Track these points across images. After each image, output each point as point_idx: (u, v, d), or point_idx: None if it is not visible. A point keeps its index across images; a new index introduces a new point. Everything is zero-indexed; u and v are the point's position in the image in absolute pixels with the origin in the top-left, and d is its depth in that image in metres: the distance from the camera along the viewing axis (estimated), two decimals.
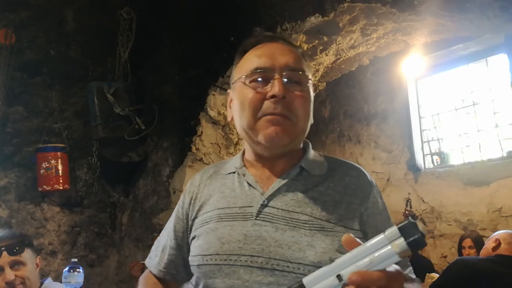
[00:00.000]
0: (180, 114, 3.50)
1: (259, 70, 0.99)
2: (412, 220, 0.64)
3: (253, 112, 0.97)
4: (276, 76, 0.97)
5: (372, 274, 0.63)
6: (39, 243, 3.34)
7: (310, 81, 1.02)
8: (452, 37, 3.07)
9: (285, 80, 0.97)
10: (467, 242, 3.72)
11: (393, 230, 0.63)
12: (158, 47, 3.71)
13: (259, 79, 0.98)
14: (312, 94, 1.03)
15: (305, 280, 0.66)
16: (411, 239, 0.62)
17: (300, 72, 1.00)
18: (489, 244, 2.59)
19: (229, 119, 1.10)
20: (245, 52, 1.06)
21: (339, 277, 0.64)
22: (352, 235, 0.69)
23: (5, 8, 3.29)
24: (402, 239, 0.62)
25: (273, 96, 0.95)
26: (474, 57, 4.50)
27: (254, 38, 1.07)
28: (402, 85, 4.89)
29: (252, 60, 1.02)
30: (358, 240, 0.68)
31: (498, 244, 2.51)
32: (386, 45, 3.07)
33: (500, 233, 2.62)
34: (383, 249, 0.63)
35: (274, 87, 0.95)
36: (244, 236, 0.94)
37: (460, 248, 3.76)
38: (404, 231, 0.63)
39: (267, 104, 0.96)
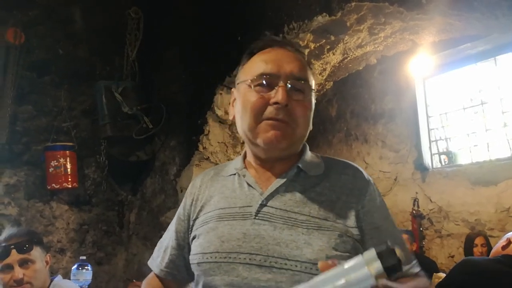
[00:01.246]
0: (187, 113, 3.52)
1: (264, 76, 1.01)
2: (390, 246, 0.66)
3: (255, 116, 1.01)
4: (281, 83, 0.99)
5: None
6: (48, 241, 3.37)
7: (312, 91, 1.05)
8: (460, 36, 3.05)
9: (291, 89, 1.00)
10: (480, 239, 3.70)
11: (371, 253, 0.66)
12: (165, 46, 3.73)
13: (268, 84, 1.01)
14: (313, 102, 1.07)
15: None
16: (389, 264, 0.64)
17: (304, 82, 1.03)
18: (500, 243, 2.58)
19: (231, 117, 1.13)
20: (252, 54, 1.09)
21: None
22: (329, 261, 0.71)
23: (13, 7, 3.32)
24: (379, 263, 0.64)
25: (276, 103, 0.98)
26: (482, 56, 4.47)
27: (262, 42, 1.10)
28: (409, 84, 4.87)
29: (258, 64, 1.04)
30: (336, 262, 0.70)
31: (508, 243, 2.50)
32: (393, 44, 3.06)
33: None
34: (359, 271, 0.65)
35: (278, 95, 0.98)
36: (243, 234, 0.97)
37: (471, 246, 3.74)
38: (382, 256, 0.65)
39: (270, 110, 0.99)
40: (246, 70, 1.07)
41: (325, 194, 1.01)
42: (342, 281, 0.65)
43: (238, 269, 0.94)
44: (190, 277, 1.09)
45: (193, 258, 1.04)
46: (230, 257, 0.96)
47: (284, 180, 1.03)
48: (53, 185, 3.33)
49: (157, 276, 1.19)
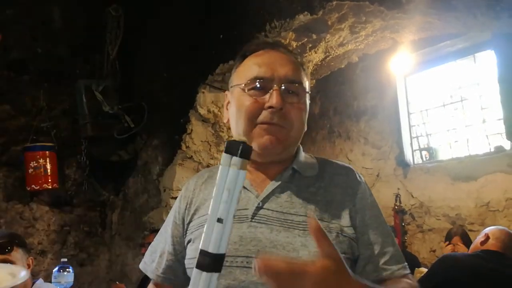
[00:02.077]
0: (170, 112, 3.49)
1: (258, 80, 1.01)
2: (229, 140, 0.74)
3: (250, 121, 1.00)
4: (275, 87, 0.99)
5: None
6: (28, 243, 3.30)
7: (307, 93, 1.05)
8: (439, 34, 3.10)
9: (285, 92, 1.00)
10: (456, 239, 3.76)
11: (223, 156, 0.72)
12: (147, 44, 3.69)
13: (262, 88, 1.01)
14: (308, 104, 1.06)
15: (202, 246, 0.71)
16: (240, 151, 0.71)
17: (298, 84, 1.03)
18: (478, 238, 2.64)
19: (225, 120, 1.12)
20: (245, 57, 1.08)
21: (219, 220, 0.70)
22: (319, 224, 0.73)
23: None
24: (234, 157, 0.71)
25: (270, 107, 0.98)
26: (462, 53, 4.53)
27: (254, 44, 1.09)
28: (391, 81, 4.91)
29: (252, 67, 1.03)
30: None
31: (486, 238, 2.55)
32: (374, 42, 3.09)
33: (490, 228, 2.66)
34: (229, 175, 0.71)
35: (272, 99, 0.98)
36: (239, 238, 0.96)
37: (450, 241, 3.80)
38: (230, 151, 0.72)
39: (264, 114, 0.99)
40: (240, 74, 1.06)
41: (320, 194, 1.01)
42: (226, 193, 0.70)
43: (235, 272, 0.93)
44: (187, 280, 1.08)
45: (188, 263, 1.02)
46: (227, 261, 0.92)
47: (280, 182, 1.02)
48: (33, 186, 3.28)
49: (154, 282, 1.17)
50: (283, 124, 0.99)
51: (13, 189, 3.35)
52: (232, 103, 1.06)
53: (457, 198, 4.33)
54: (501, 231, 2.57)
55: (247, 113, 1.00)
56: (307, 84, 1.06)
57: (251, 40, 2.78)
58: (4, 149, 3.34)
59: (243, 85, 1.02)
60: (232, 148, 0.71)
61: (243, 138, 0.73)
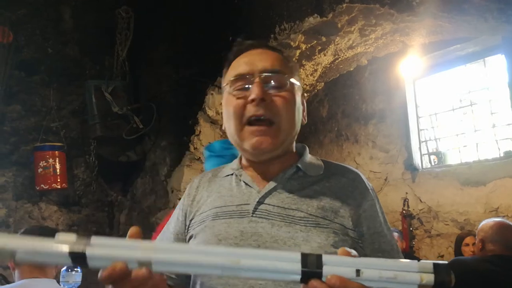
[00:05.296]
0: (178, 113, 3.50)
1: (238, 77, 1.02)
2: (447, 265, 0.64)
3: (238, 119, 1.01)
4: (256, 80, 1.00)
5: (351, 284, 0.64)
6: None
7: (292, 82, 1.04)
8: (449, 38, 3.08)
9: (267, 84, 1.01)
10: (470, 239, 3.72)
11: (428, 263, 0.64)
12: (156, 45, 3.71)
13: (245, 86, 1.02)
14: (296, 94, 1.05)
15: (325, 257, 0.65)
16: (441, 280, 0.63)
17: (278, 74, 1.02)
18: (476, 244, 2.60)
19: (223, 127, 1.14)
20: (230, 62, 1.10)
21: (358, 271, 0.64)
22: (347, 249, 0.69)
23: (1, 5, 3.28)
24: (432, 276, 0.63)
25: (253, 100, 0.98)
26: (472, 57, 4.50)
27: (236, 48, 1.11)
28: (400, 85, 4.90)
29: (234, 68, 1.06)
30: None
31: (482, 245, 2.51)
32: (384, 45, 3.08)
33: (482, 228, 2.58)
34: (411, 274, 0.64)
35: (253, 91, 0.99)
36: (240, 232, 0.96)
37: (460, 246, 3.77)
38: (437, 269, 0.63)
39: (249, 108, 1.00)
40: (226, 77, 1.09)
41: (324, 193, 1.00)
42: (390, 274, 0.64)
43: None
44: (188, 279, 1.07)
45: None
46: None
47: (282, 178, 1.02)
48: (42, 185, 3.30)
49: None
50: (269, 116, 0.99)
51: (23, 188, 3.37)
52: (223, 106, 1.09)
53: (466, 203, 4.30)
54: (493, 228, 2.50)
55: (234, 111, 1.01)
56: (294, 75, 1.06)
57: None
58: (14, 148, 3.36)
59: (227, 86, 1.04)
60: (441, 271, 0.64)
61: (453, 280, 0.65)
